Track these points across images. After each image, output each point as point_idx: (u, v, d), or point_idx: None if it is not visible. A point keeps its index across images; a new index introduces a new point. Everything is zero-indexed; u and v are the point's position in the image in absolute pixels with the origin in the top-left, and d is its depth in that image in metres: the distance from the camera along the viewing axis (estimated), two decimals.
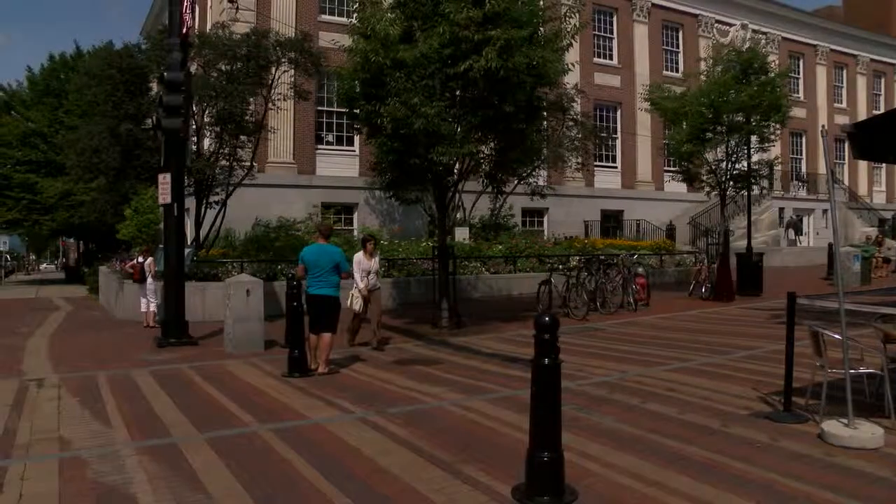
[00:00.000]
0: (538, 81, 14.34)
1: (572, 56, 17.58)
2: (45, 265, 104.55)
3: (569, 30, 14.83)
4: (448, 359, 11.85)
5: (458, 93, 14.22)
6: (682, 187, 30.42)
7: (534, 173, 24.27)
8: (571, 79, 21.34)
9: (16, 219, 42.93)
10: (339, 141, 27.00)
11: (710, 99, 20.04)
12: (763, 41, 33.54)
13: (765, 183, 22.51)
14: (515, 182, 20.11)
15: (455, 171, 15.44)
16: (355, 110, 15.23)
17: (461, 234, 23.88)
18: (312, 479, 5.83)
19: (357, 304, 12.52)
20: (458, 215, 22.97)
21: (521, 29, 13.34)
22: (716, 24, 37.36)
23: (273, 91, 20.50)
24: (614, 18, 34.48)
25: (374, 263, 13.07)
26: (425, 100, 13.13)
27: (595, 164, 32.32)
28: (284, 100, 20.87)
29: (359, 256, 12.80)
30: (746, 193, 21.49)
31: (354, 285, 12.59)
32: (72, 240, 64.38)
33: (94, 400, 9.10)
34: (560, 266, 19.53)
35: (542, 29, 14.53)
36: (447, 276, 15.74)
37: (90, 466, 6.30)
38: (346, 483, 5.68)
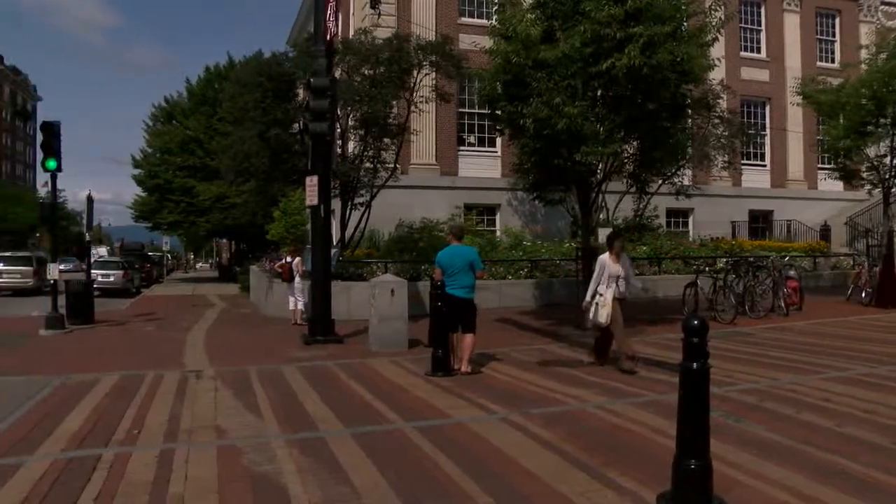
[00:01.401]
0: (682, 78, 13.93)
1: (717, 51, 17.01)
2: (200, 264, 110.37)
3: (714, 23, 14.32)
4: (591, 361, 11.68)
5: (599, 92, 14.02)
6: (837, 185, 28.71)
7: (679, 173, 23.54)
8: (717, 74, 20.53)
9: (176, 220, 45.55)
10: (480, 142, 27.09)
11: (873, 89, 18.76)
12: None
13: None
14: (659, 182, 19.59)
15: (598, 171, 15.21)
16: (497, 111, 15.27)
17: (604, 235, 23.48)
18: (455, 477, 5.85)
19: (603, 316, 10.71)
20: (600, 216, 22.57)
21: (665, 24, 12.98)
22: (881, 7, 35.07)
23: (415, 94, 20.82)
24: (762, 9, 32.99)
25: (624, 266, 11.16)
26: (568, 100, 13.01)
27: (742, 162, 31.03)
28: (426, 102, 21.16)
29: (604, 259, 11.11)
30: None
31: (598, 294, 10.86)
32: (225, 240, 67.44)
33: (246, 392, 9.52)
34: (706, 268, 18.91)
35: (685, 24, 14.11)
36: (591, 277, 15.49)
37: (244, 455, 6.59)
38: (488, 482, 5.68)
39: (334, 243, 19.24)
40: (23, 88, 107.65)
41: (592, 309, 10.89)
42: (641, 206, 25.06)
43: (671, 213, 29.49)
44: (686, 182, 24.61)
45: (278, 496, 5.49)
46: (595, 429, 7.36)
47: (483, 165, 26.81)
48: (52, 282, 17.91)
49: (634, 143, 15.12)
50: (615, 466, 6.01)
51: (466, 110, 26.65)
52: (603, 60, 12.97)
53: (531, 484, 5.67)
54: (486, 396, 8.99)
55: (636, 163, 15.39)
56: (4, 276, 31.29)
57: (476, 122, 26.69)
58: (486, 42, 15.16)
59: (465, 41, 22.55)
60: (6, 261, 32.31)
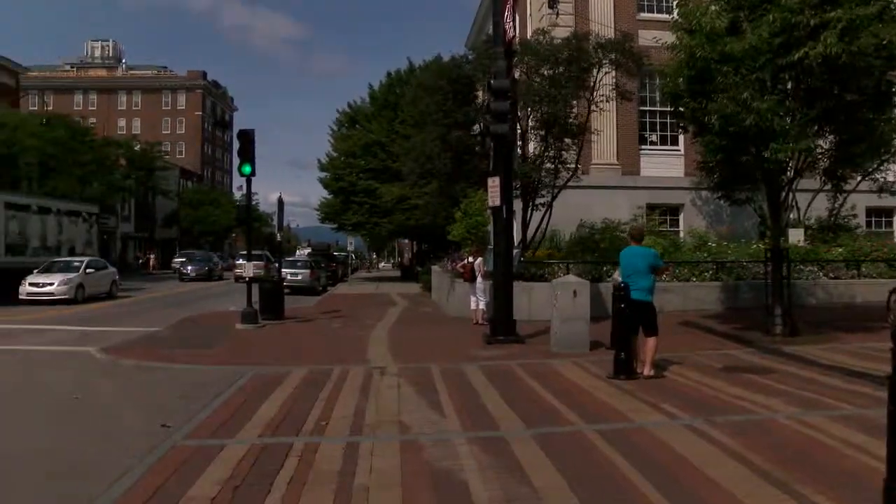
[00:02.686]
0: (890, 64, 12.89)
1: None
2: (382, 264, 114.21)
3: None
4: (781, 368, 11.12)
5: (790, 84, 13.28)
6: None
7: (881, 168, 21.96)
8: None
9: (360, 221, 47.38)
10: (662, 140, 26.39)
11: None
12: None
13: None
14: (858, 178, 18.31)
15: (789, 168, 14.41)
16: (680, 108, 14.80)
17: (795, 236, 22.25)
18: (637, 483, 5.75)
19: None
20: (791, 216, 21.37)
21: (868, 5, 12.05)
22: None
23: (595, 93, 20.56)
24: None
25: None
26: (756, 94, 12.41)
27: None
28: (607, 101, 20.82)
29: None
30: None
31: None
32: (406, 240, 69.39)
33: (428, 390, 9.78)
34: None
35: (895, 2, 13.01)
36: (780, 281, 14.75)
37: (426, 450, 6.79)
38: (672, 491, 5.54)
39: (516, 244, 19.32)
40: (222, 100, 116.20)
41: None
42: (837, 204, 23.55)
43: (872, 211, 27.45)
44: (890, 178, 22.86)
45: (459, 493, 5.61)
46: (787, 441, 6.99)
47: (665, 164, 26.09)
48: (247, 279, 19.12)
49: (830, 137, 14.19)
50: (810, 484, 5.67)
51: (648, 108, 26.05)
52: (794, 50, 12.25)
53: (717, 495, 5.48)
54: (669, 401, 8.77)
55: (832, 158, 14.44)
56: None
57: (658, 120, 26.04)
58: (668, 37, 14.73)
59: (646, 37, 21.94)
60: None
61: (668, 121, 23.09)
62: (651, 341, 10.44)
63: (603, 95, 20.54)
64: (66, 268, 27.71)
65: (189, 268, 47.51)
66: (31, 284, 26.00)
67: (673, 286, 19.55)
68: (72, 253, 32.44)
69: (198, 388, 10.11)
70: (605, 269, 19.10)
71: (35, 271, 26.95)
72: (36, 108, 66.87)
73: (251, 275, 19.17)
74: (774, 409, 8.33)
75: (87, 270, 28.19)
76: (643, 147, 26.19)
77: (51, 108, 62.49)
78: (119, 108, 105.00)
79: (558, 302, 13.03)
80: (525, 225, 21.53)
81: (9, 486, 6.15)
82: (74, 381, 11.14)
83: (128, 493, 5.72)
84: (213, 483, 5.86)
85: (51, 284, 25.89)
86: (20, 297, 25.63)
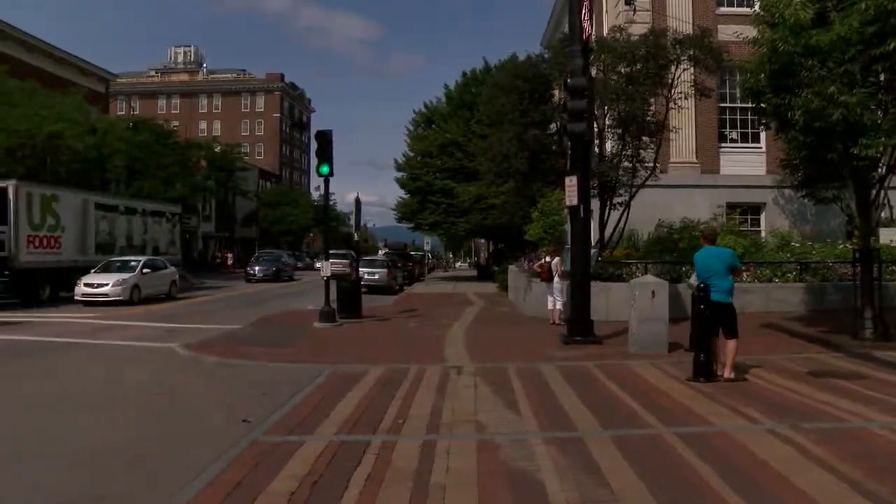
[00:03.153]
0: None
1: None
2: (459, 263, 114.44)
3: None
4: (872, 374, 10.71)
5: (883, 76, 12.76)
6: None
7: None
8: None
9: (436, 221, 47.58)
10: (743, 138, 25.74)
11: None
12: None
13: None
14: None
15: (880, 165, 13.87)
16: (762, 104, 14.37)
17: (887, 236, 21.40)
18: (718, 488, 5.62)
19: None
20: (882, 214, 20.63)
21: None
22: None
23: (673, 90, 20.19)
24: None
25: None
26: (844, 87, 11.95)
27: None
28: (685, 98, 20.40)
29: None
30: None
31: None
32: (483, 240, 69.41)
33: (505, 389, 9.75)
34: None
35: None
36: (871, 282, 14.20)
37: (502, 450, 6.77)
38: (754, 497, 5.40)
39: (593, 243, 19.14)
40: (299, 102, 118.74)
41: None
42: None
43: None
44: None
45: (536, 493, 5.57)
46: (881, 452, 6.72)
47: (746, 162, 25.44)
48: (325, 278, 19.39)
49: None
50: None
51: (728, 105, 25.44)
52: (890, 39, 11.72)
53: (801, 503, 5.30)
54: (751, 405, 8.55)
55: None
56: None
57: (738, 116, 25.41)
58: (749, 31, 14.33)
59: (726, 32, 21.48)
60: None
61: (749, 117, 22.50)
62: (731, 343, 10.21)
63: (681, 93, 20.14)
64: (123, 268, 27.30)
65: (256, 268, 46.18)
66: (85, 285, 25.73)
67: (754, 287, 19.06)
68: (156, 252, 33.51)
69: (277, 385, 10.31)
70: (683, 269, 18.75)
71: (92, 271, 26.92)
72: (123, 113, 69.34)
73: (329, 274, 19.42)
74: (866, 416, 8.02)
75: (144, 270, 27.54)
76: (723, 145, 25.59)
77: (137, 112, 64.55)
78: (200, 111, 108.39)
79: (636, 302, 12.85)
80: (602, 224, 21.30)
81: (99, 474, 6.40)
82: (158, 376, 11.51)
83: (209, 485, 5.87)
84: (291, 478, 5.97)
85: (105, 285, 25.47)
86: (75, 297, 25.58)
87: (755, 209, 25.60)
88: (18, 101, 32.65)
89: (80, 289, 25.68)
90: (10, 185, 25.14)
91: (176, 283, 30.36)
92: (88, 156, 36.55)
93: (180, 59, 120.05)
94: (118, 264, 27.69)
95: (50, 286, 26.87)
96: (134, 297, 26.20)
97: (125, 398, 9.96)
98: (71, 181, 35.02)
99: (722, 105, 25.36)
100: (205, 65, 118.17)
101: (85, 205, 29.12)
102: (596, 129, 19.37)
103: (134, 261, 28.20)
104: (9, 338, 16.27)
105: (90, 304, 25.07)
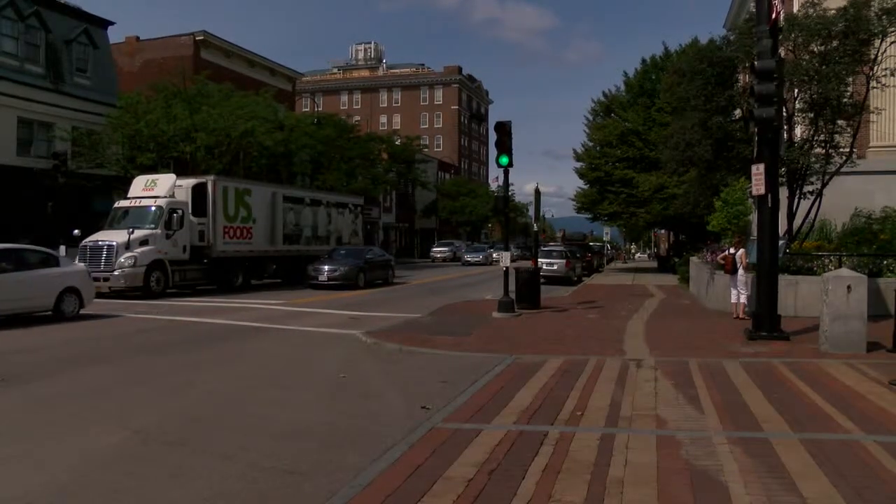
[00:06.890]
0: None
1: None
2: (638, 254, 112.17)
3: None
4: None
5: None
6: None
7: None
8: None
9: (616, 211, 46.85)
10: None
11: None
12: None
13: None
14: None
15: None
16: None
17: None
18: None
19: None
20: None
21: None
22: None
23: (876, 67, 18.66)
24: None
25: None
26: None
27: None
28: (890, 76, 18.73)
29: None
30: None
31: None
32: (663, 230, 67.72)
33: (686, 384, 9.46)
34: None
35: None
36: None
37: (683, 447, 6.56)
38: None
39: (780, 234, 18.20)
40: (477, 94, 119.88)
41: None
42: None
43: None
44: None
45: (718, 495, 5.35)
46: None
47: None
48: (504, 269, 19.48)
49: None
50: None
51: None
52: None
53: None
54: None
55: None
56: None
57: None
58: None
59: None
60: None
61: None
62: None
63: (886, 69, 18.55)
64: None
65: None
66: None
67: None
68: (339, 242, 35.18)
69: (456, 373, 10.49)
70: (885, 262, 17.45)
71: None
72: (308, 110, 72.50)
73: (508, 264, 19.47)
74: None
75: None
76: None
77: (321, 108, 67.42)
78: (381, 105, 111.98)
79: (829, 297, 12.07)
80: (791, 214, 20.16)
81: (290, 452, 6.77)
82: (343, 361, 11.98)
83: (391, 467, 6.05)
84: (469, 465, 6.05)
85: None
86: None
87: None
88: (216, 103, 35.40)
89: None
90: (210, 181, 27.16)
91: (393, 270, 33.90)
92: (277, 151, 39.00)
93: (361, 55, 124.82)
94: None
95: (243, 274, 29.02)
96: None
97: (310, 381, 10.46)
98: (261, 175, 37.65)
99: None
100: (384, 60, 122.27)
101: (274, 197, 30.80)
102: (785, 114, 18.33)
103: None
104: (209, 321, 17.49)
105: (319, 287, 28.10)
